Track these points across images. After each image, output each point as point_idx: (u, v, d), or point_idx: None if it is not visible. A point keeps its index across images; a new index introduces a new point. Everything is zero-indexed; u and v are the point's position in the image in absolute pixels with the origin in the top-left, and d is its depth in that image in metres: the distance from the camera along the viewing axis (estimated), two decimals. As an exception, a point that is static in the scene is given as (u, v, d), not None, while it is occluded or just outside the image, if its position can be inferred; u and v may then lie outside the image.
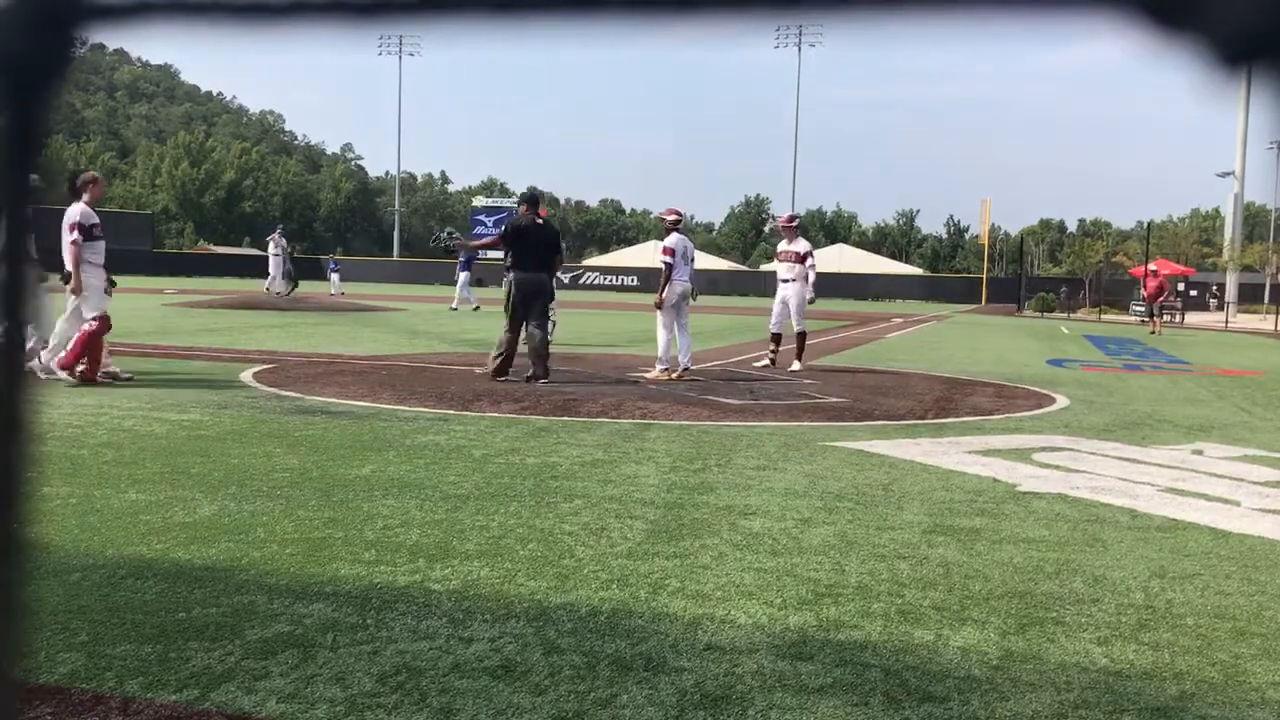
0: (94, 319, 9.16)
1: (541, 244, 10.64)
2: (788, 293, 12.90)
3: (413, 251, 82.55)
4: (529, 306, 10.38)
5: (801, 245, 12.95)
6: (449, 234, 11.98)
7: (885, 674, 3.14)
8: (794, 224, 13.30)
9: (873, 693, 2.99)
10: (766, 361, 13.04)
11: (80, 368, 9.19)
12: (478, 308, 25.92)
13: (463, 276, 27.66)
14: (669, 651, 3.25)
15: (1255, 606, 3.96)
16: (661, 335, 11.40)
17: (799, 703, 2.90)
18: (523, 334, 10.42)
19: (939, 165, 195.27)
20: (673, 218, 11.69)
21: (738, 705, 2.87)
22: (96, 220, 9.36)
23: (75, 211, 9.18)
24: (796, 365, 12.75)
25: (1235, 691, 3.13)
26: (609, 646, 3.27)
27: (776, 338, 13.10)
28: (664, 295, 11.35)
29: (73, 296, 9.43)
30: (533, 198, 11.09)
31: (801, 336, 12.93)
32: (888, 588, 4.01)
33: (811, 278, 12.84)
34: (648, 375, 11.42)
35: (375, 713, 2.75)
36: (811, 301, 12.92)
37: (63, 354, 9.16)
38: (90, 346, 9.21)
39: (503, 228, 11.14)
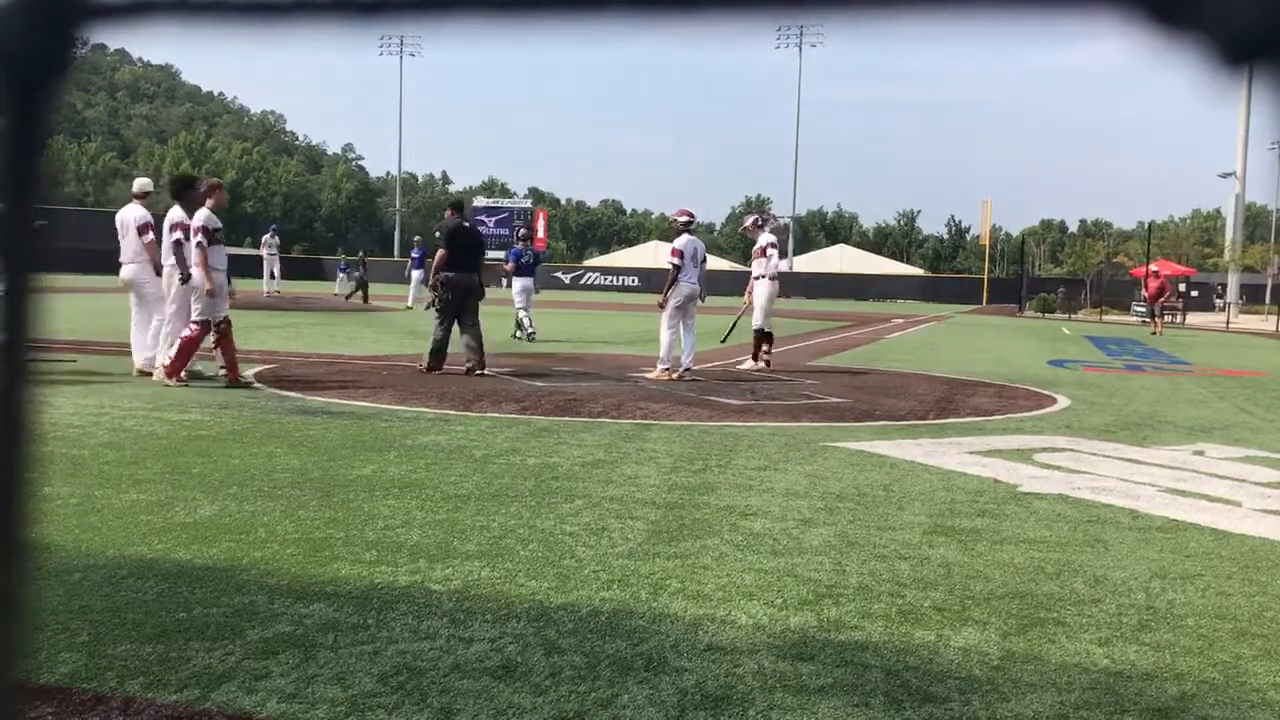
0: (195, 323, 9.47)
1: (470, 246, 11.50)
2: (757, 289, 13.06)
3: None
4: (463, 304, 11.18)
5: (763, 239, 13.12)
6: (431, 286, 12.31)
7: (886, 674, 3.14)
8: (755, 223, 13.56)
9: (874, 693, 2.99)
10: (761, 364, 12.94)
11: (221, 370, 9.65)
12: (410, 307, 27.18)
13: (416, 275, 29.00)
14: (670, 652, 3.25)
15: (1256, 607, 3.96)
16: (665, 335, 11.40)
17: (800, 703, 2.90)
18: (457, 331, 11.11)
19: (940, 165, 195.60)
20: (684, 219, 11.68)
21: (738, 705, 2.87)
22: (219, 225, 9.82)
23: (201, 215, 9.62)
24: (749, 364, 12.77)
25: (1236, 692, 3.13)
26: (610, 647, 3.27)
27: (768, 337, 13.11)
28: (668, 296, 11.37)
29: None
30: (458, 203, 12.31)
31: (759, 334, 12.93)
32: (888, 588, 4.01)
33: (769, 267, 13.01)
34: (649, 375, 11.42)
35: (376, 713, 2.76)
36: (774, 278, 13.05)
37: (166, 361, 9.44)
38: (226, 350, 9.64)
39: (438, 233, 12.09)
